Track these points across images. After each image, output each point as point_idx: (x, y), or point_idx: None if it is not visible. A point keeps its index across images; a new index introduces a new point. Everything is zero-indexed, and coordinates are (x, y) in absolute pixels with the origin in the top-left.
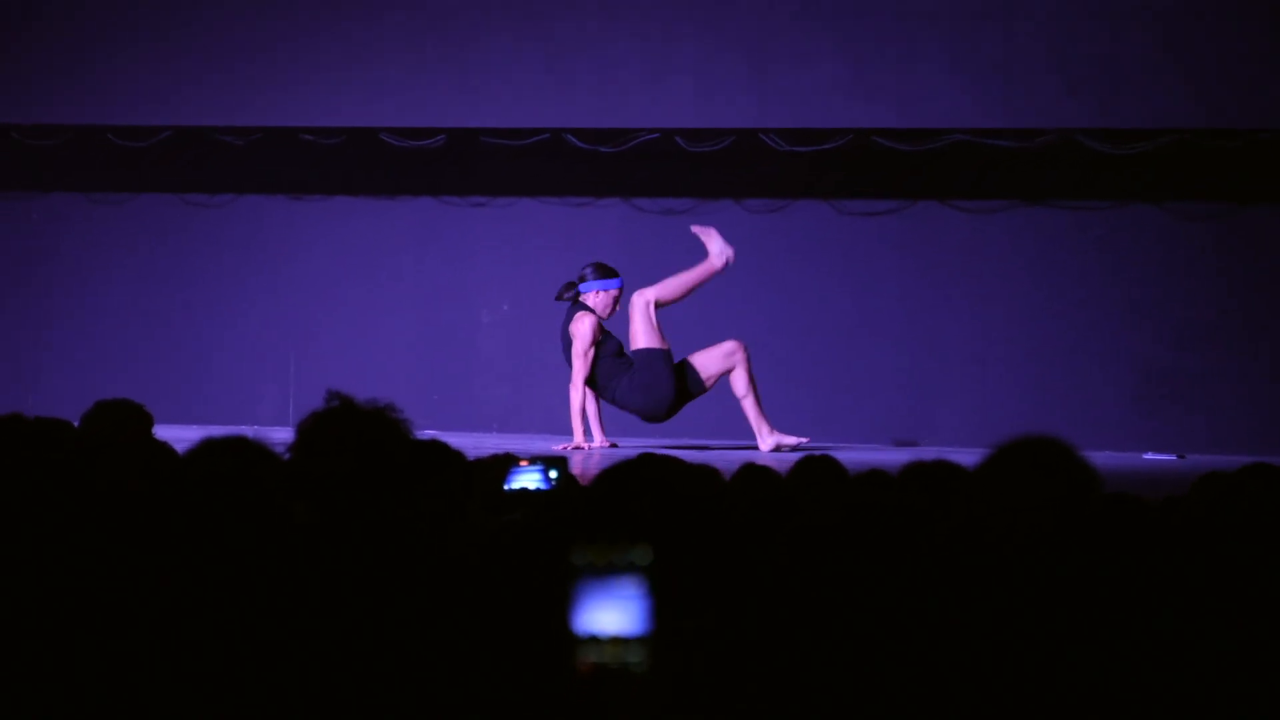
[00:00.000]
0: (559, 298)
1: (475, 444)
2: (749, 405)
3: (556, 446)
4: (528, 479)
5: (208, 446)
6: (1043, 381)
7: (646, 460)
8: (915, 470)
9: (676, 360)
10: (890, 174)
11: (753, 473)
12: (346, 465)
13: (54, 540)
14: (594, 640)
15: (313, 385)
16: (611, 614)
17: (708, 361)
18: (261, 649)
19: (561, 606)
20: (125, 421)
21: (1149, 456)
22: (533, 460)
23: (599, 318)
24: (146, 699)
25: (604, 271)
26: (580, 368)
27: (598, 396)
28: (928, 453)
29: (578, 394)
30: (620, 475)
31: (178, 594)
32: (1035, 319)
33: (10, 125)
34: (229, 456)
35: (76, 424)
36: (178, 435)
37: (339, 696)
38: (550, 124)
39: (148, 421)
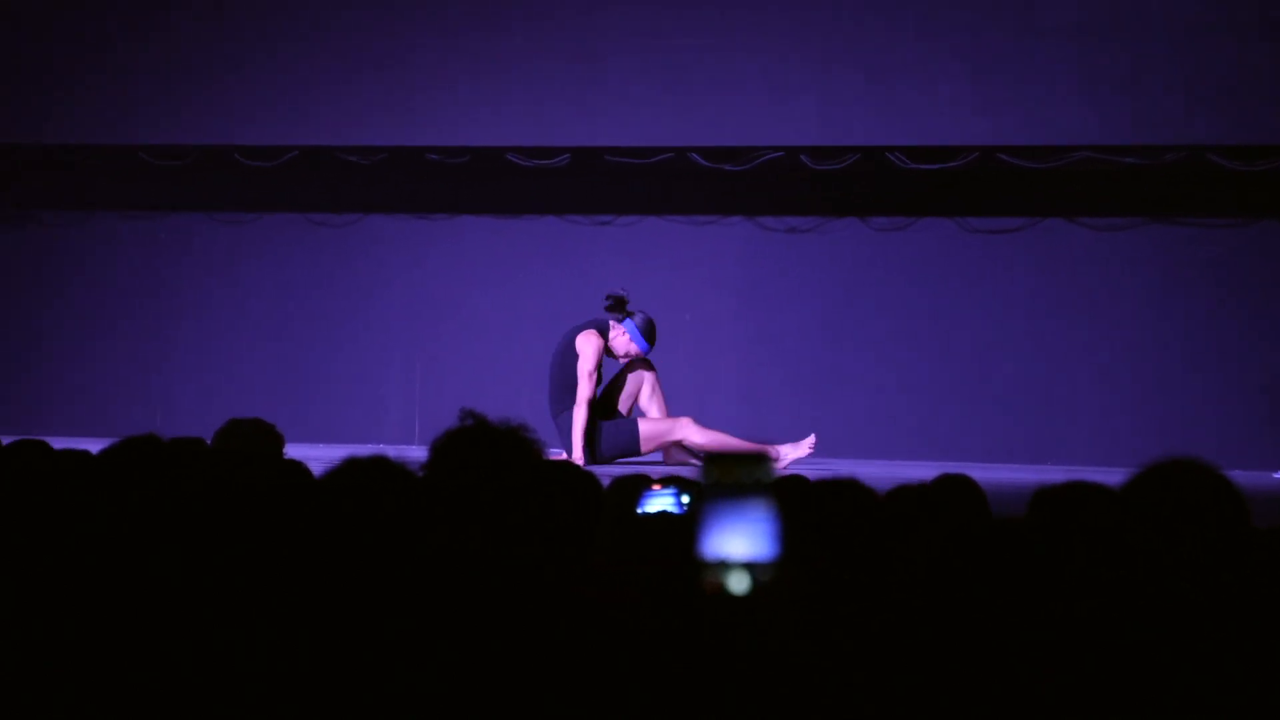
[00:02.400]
0: (607, 308)
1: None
2: (654, 409)
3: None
4: (661, 501)
5: (350, 466)
6: (1170, 399)
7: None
8: (1050, 493)
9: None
10: (1015, 191)
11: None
12: (481, 484)
13: (198, 557)
14: (721, 564)
15: (438, 403)
16: (739, 538)
17: (648, 433)
18: (400, 663)
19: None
20: (257, 440)
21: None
22: (665, 482)
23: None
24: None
25: (649, 330)
26: (587, 386)
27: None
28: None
29: (583, 413)
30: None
31: (316, 609)
32: (1162, 336)
33: (138, 146)
34: (370, 476)
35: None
36: (305, 454)
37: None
38: (674, 142)
39: (279, 440)
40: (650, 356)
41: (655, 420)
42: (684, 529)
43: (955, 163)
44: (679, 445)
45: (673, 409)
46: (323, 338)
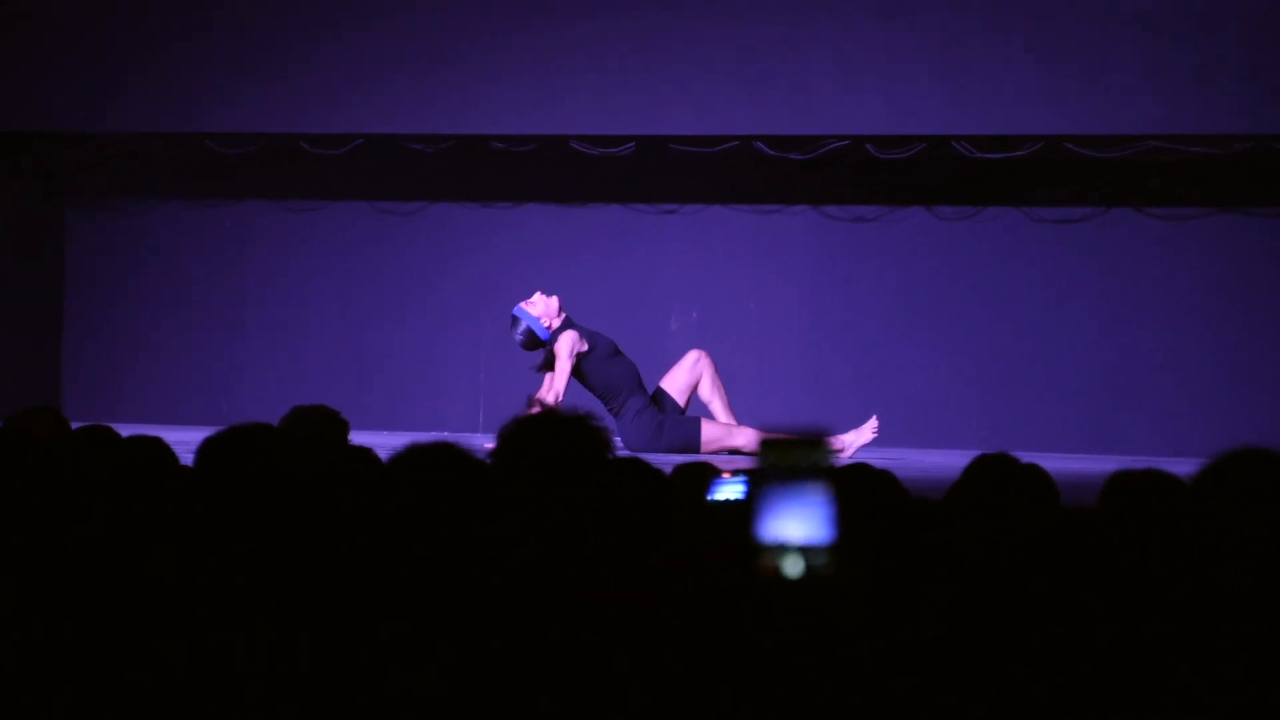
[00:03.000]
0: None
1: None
2: (717, 408)
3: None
4: (731, 490)
5: (413, 452)
6: (1237, 390)
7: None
8: (1122, 480)
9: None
10: (1083, 181)
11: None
12: (548, 472)
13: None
14: (778, 548)
15: (502, 392)
16: (797, 521)
17: (676, 383)
18: (467, 652)
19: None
20: (322, 426)
21: None
22: (735, 472)
23: (575, 331)
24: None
25: (528, 312)
26: (560, 381)
27: (605, 401)
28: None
29: (553, 401)
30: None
31: (382, 595)
32: (1229, 327)
33: (204, 134)
34: (434, 462)
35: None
36: (370, 441)
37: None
38: (740, 131)
39: (344, 427)
40: (712, 345)
41: (718, 425)
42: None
43: (1021, 152)
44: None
45: (735, 398)
46: (387, 325)
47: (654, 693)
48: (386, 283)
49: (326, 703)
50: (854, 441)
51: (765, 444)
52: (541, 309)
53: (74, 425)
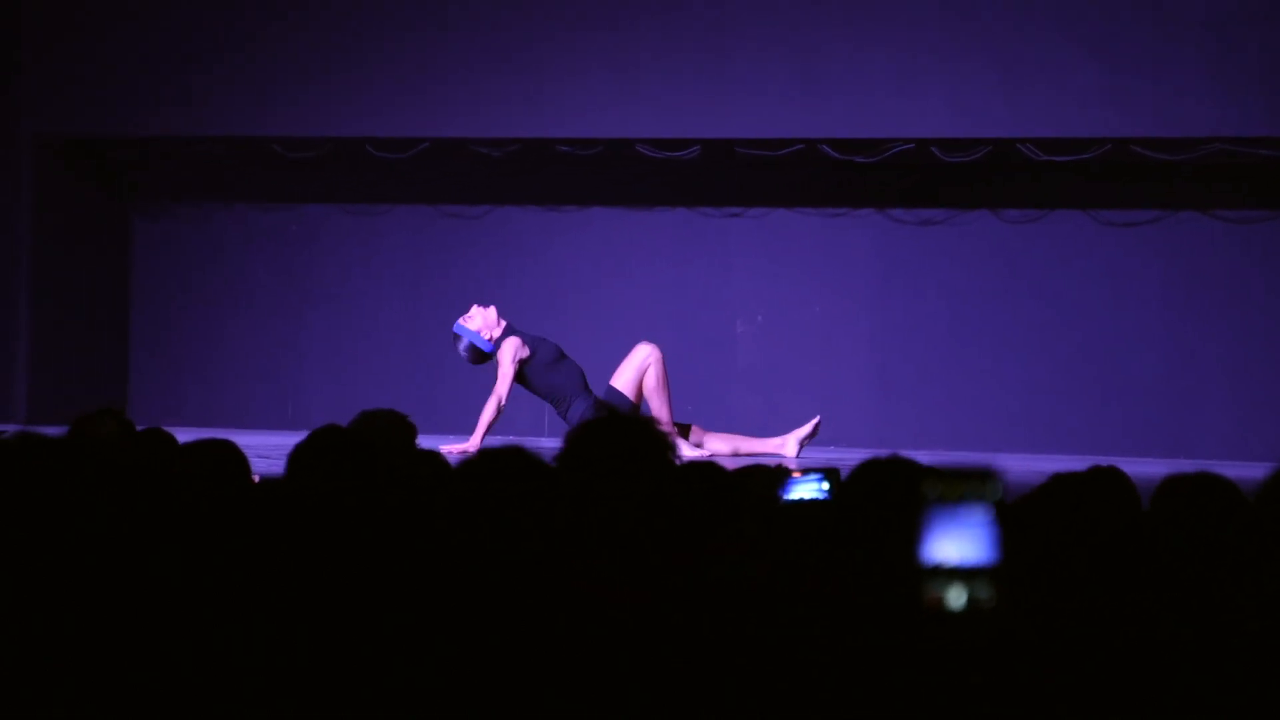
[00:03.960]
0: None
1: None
2: (655, 405)
3: (443, 447)
4: (806, 489)
5: (483, 456)
6: None
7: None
8: (1174, 484)
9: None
10: (1149, 183)
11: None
12: (613, 476)
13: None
14: (941, 571)
15: None
16: (959, 544)
17: (625, 378)
18: (534, 654)
19: (910, 538)
20: (391, 431)
21: None
22: (806, 470)
23: (517, 337)
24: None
25: (467, 328)
26: (502, 385)
27: (554, 405)
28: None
29: (493, 409)
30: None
31: (452, 599)
32: None
33: (271, 138)
34: (503, 466)
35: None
36: (438, 445)
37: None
38: (805, 134)
39: (412, 431)
40: (777, 349)
41: (621, 371)
42: (829, 516)
43: (1087, 154)
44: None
45: (799, 400)
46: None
47: (721, 696)
48: (452, 286)
49: (408, 703)
50: (794, 442)
51: (930, 476)
52: (480, 322)
53: (139, 429)
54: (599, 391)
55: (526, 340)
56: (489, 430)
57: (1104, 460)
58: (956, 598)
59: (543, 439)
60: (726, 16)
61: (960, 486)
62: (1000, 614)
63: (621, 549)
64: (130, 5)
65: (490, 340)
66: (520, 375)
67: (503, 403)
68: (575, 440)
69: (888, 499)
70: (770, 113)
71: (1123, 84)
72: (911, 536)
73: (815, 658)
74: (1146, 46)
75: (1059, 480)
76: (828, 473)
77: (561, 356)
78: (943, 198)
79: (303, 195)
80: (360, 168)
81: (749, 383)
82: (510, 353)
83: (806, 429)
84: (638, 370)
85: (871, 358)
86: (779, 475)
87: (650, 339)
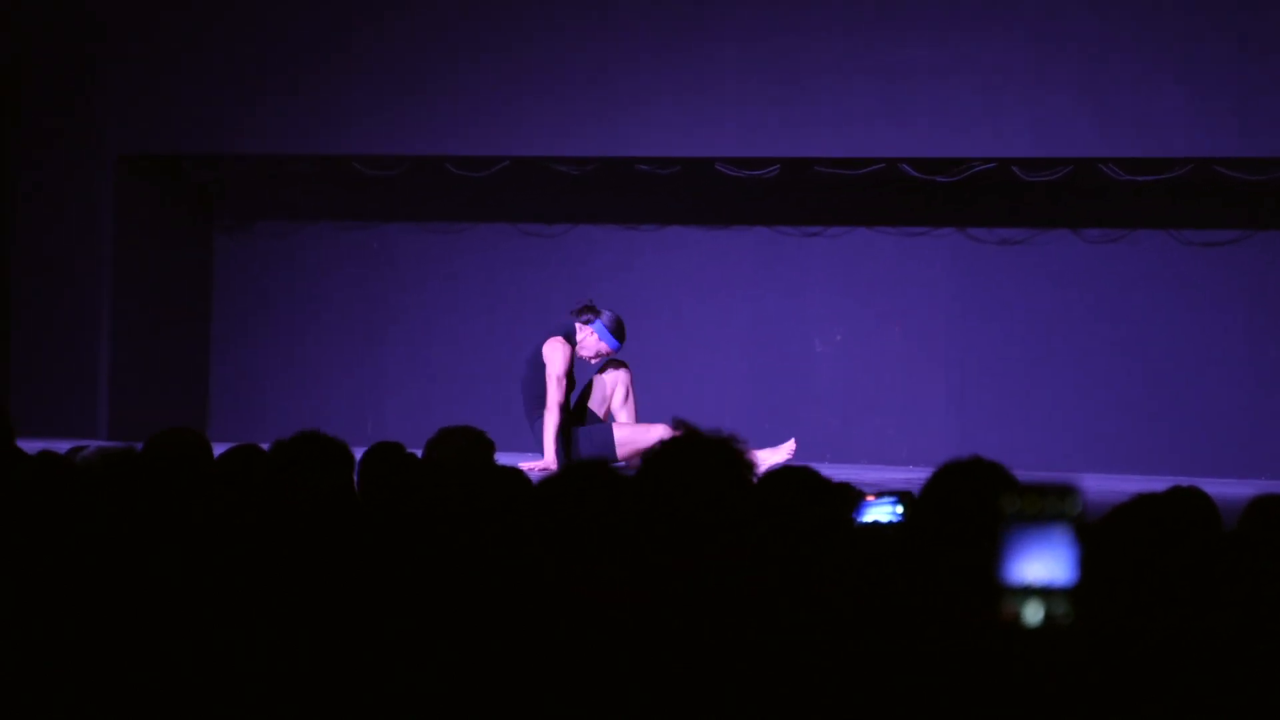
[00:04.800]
0: (574, 314)
1: None
2: (623, 416)
3: (524, 464)
4: (880, 512)
5: (569, 470)
6: None
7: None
8: (1265, 503)
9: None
10: (1231, 203)
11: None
12: (693, 493)
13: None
14: (1020, 590)
15: (646, 413)
16: (1039, 564)
17: (596, 394)
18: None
19: (990, 556)
20: (469, 448)
21: None
22: (880, 494)
23: (571, 349)
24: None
25: (617, 328)
26: (555, 392)
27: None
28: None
29: (554, 418)
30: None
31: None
32: None
33: (351, 155)
34: (585, 482)
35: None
36: (516, 462)
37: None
38: (885, 153)
39: (489, 448)
40: (857, 368)
41: (630, 426)
42: (901, 540)
43: (1170, 174)
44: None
45: (879, 420)
46: (533, 347)
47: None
48: (530, 304)
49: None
50: (768, 460)
51: (1009, 491)
52: (592, 341)
53: (218, 446)
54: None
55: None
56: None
57: (1186, 481)
58: (1033, 614)
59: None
60: (807, 36)
61: (1040, 502)
62: (1077, 631)
63: (700, 568)
64: (214, 25)
65: (596, 356)
66: (531, 376)
67: (561, 407)
68: (655, 457)
69: (968, 506)
70: (850, 131)
71: (1206, 104)
72: (990, 551)
73: (890, 676)
74: (1230, 67)
75: (1140, 500)
76: (901, 496)
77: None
78: (1023, 217)
79: (383, 213)
80: (440, 186)
81: (828, 401)
82: (564, 364)
83: (782, 452)
84: (607, 386)
85: (950, 377)
86: (853, 498)
87: (727, 356)
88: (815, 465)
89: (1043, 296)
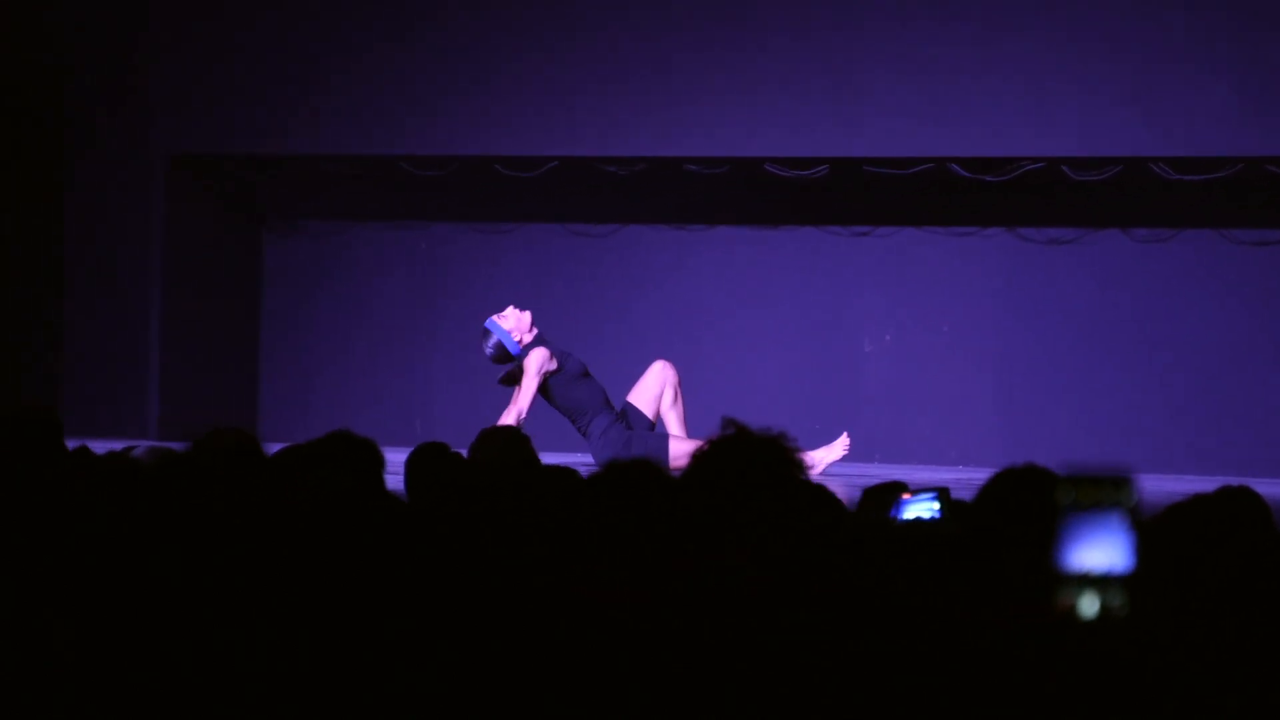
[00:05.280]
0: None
1: (858, 473)
2: (672, 421)
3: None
4: (919, 509)
5: (613, 468)
6: None
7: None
8: None
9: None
10: None
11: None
12: (744, 493)
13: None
14: (1076, 578)
15: (694, 412)
16: (1095, 551)
17: (643, 396)
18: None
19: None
20: (511, 448)
21: None
22: (917, 491)
23: (546, 349)
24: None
25: (499, 326)
26: (525, 398)
27: (572, 420)
28: None
29: (511, 419)
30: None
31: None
32: None
33: (399, 156)
34: (633, 479)
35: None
36: (563, 461)
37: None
38: (934, 153)
39: (529, 447)
40: (905, 368)
41: (683, 440)
42: (941, 537)
43: (1220, 173)
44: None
45: (929, 420)
46: (580, 347)
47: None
48: (579, 304)
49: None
50: (824, 460)
51: (1065, 481)
52: (513, 323)
53: (269, 445)
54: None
55: (555, 353)
56: None
57: (1237, 481)
58: (1089, 605)
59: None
60: (855, 35)
61: (1094, 491)
62: (1133, 623)
63: (741, 565)
64: (262, 25)
65: (519, 343)
66: (543, 388)
67: (523, 415)
68: (705, 456)
69: (1023, 510)
70: (899, 131)
71: (1256, 102)
72: (1046, 546)
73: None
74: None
75: (1191, 501)
76: (939, 492)
77: (586, 373)
78: (1072, 216)
79: (431, 213)
80: (488, 186)
81: (877, 402)
82: (537, 364)
83: (837, 449)
84: (656, 388)
85: (999, 377)
86: (891, 494)
87: (775, 356)
88: (863, 466)
89: (1092, 296)
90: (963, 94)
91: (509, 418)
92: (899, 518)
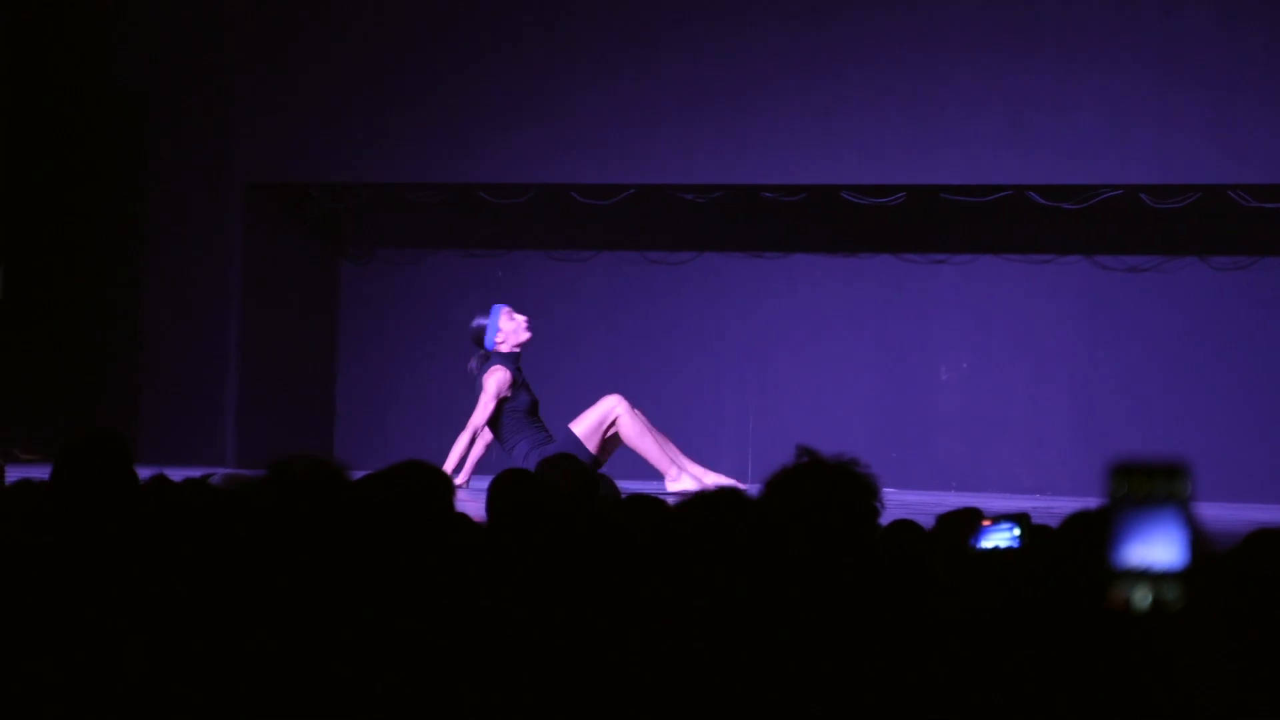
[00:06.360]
0: (478, 342)
1: (936, 501)
2: (645, 448)
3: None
4: (998, 537)
5: (699, 499)
6: None
7: None
8: None
9: (559, 434)
10: None
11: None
12: (818, 521)
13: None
14: (1129, 574)
15: (770, 441)
16: (1150, 547)
17: (584, 425)
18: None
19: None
20: (571, 476)
21: None
22: (997, 519)
23: (509, 374)
24: None
25: (497, 320)
26: (480, 416)
27: (500, 442)
28: None
29: (468, 436)
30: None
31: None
32: None
33: (477, 184)
34: (717, 507)
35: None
36: (639, 489)
37: None
38: (1011, 180)
39: (588, 475)
40: (983, 396)
41: (579, 418)
42: (1022, 565)
43: None
44: (615, 436)
45: (1005, 448)
46: (656, 374)
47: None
48: (655, 332)
49: None
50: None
51: (1118, 472)
52: (509, 327)
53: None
54: (558, 435)
55: (516, 382)
56: (463, 460)
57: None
58: (1142, 599)
59: (745, 485)
60: (933, 62)
61: (1148, 484)
62: (1187, 618)
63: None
64: (341, 54)
65: (495, 344)
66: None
67: (477, 432)
68: (776, 485)
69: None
70: (977, 158)
71: None
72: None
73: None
74: None
75: (1260, 533)
76: (1019, 519)
77: (533, 412)
78: (1150, 244)
79: (508, 241)
80: (565, 214)
81: (954, 430)
82: (495, 388)
83: (708, 479)
84: (599, 421)
85: (1077, 404)
86: (968, 521)
87: (853, 384)
88: (941, 494)
89: (1170, 324)
90: (1041, 121)
91: (463, 439)
92: (978, 545)
